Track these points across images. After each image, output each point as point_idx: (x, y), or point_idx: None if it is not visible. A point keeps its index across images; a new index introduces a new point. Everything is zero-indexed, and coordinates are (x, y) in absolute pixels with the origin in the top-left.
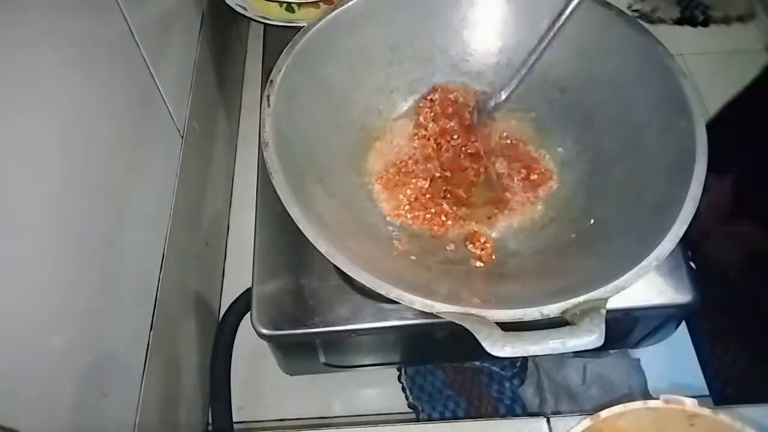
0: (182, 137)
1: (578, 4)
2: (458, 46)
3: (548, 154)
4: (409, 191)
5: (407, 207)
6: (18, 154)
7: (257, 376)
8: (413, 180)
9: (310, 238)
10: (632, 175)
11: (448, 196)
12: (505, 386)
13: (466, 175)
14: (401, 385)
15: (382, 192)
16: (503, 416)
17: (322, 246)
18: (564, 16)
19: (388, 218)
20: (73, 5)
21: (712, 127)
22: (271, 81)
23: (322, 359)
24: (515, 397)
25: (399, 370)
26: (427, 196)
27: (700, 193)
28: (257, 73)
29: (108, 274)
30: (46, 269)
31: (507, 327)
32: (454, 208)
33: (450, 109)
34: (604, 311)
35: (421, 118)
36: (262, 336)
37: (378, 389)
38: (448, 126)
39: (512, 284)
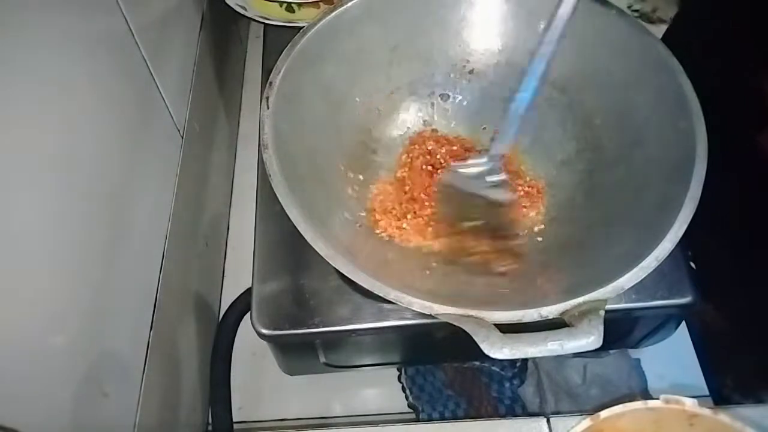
0: (182, 137)
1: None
2: (458, 46)
3: (547, 155)
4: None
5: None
6: (17, 154)
7: (257, 376)
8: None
9: (308, 240)
10: (632, 175)
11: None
12: (505, 386)
13: None
14: (401, 385)
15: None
16: (503, 416)
17: (320, 248)
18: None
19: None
20: (72, 5)
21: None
22: (271, 82)
23: (322, 359)
24: (515, 397)
25: (399, 370)
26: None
27: (700, 193)
28: (257, 73)
29: (108, 274)
30: (45, 269)
31: (505, 328)
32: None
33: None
34: (602, 313)
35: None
36: (262, 336)
37: (378, 389)
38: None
39: (511, 285)
